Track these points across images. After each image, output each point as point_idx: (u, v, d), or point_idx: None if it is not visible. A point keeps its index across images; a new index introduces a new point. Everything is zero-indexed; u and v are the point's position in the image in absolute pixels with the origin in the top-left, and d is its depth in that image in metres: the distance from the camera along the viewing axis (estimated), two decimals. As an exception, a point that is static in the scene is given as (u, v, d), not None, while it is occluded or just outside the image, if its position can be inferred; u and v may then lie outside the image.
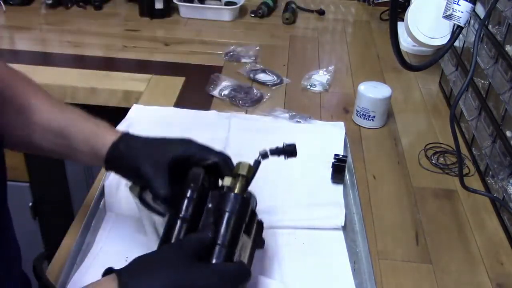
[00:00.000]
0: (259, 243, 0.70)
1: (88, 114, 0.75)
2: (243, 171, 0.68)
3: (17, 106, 0.72)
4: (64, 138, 0.72)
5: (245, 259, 0.64)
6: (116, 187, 0.88)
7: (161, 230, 0.77)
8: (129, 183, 0.75)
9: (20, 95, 0.73)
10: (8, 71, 0.75)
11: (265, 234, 0.80)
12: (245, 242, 0.64)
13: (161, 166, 0.67)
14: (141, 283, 0.53)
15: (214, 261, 0.59)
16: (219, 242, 0.60)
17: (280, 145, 0.72)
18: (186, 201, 0.64)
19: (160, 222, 0.77)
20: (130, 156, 0.68)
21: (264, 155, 0.71)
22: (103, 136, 0.71)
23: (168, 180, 0.66)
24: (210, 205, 0.64)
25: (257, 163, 0.70)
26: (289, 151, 0.71)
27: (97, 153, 0.70)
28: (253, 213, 0.67)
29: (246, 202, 0.65)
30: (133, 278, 0.53)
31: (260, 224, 0.71)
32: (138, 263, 0.56)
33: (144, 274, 0.54)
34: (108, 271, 0.55)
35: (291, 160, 0.98)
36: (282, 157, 0.72)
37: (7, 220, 0.66)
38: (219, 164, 0.69)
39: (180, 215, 0.63)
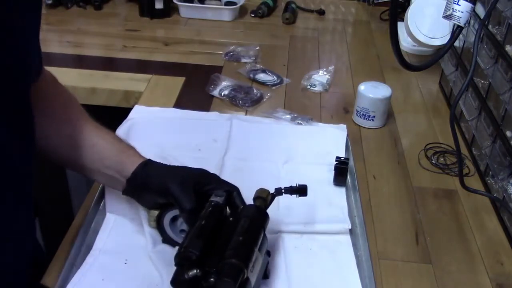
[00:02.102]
0: (264, 273, 0.74)
1: (117, 138, 0.83)
2: (263, 194, 0.76)
3: (70, 129, 0.79)
4: (98, 157, 0.79)
5: (255, 274, 0.65)
6: (116, 187, 0.88)
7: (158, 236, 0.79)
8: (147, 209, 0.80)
9: (72, 119, 0.80)
10: (60, 91, 0.82)
11: (272, 238, 0.80)
12: (258, 257, 0.67)
13: (187, 185, 0.74)
14: None
15: None
16: (240, 238, 0.66)
17: (294, 184, 0.79)
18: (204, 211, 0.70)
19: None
20: (158, 176, 0.75)
21: (278, 192, 0.78)
22: (127, 161, 0.78)
23: (194, 197, 0.73)
24: (231, 218, 0.71)
25: (272, 196, 0.77)
26: (301, 190, 0.78)
27: (121, 174, 0.77)
28: (265, 236, 0.71)
29: (264, 212, 0.73)
30: None
31: (268, 254, 0.75)
32: None
33: None
34: None
35: (294, 163, 0.99)
36: (294, 196, 0.78)
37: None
38: (233, 193, 0.76)
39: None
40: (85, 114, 0.83)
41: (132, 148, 0.81)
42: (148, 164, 0.77)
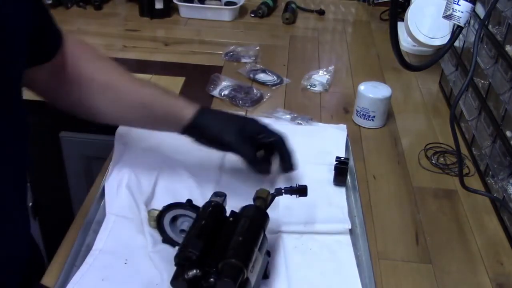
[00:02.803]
0: (264, 273, 0.74)
1: (165, 89, 0.87)
2: (263, 194, 0.76)
3: (101, 84, 0.82)
4: (146, 111, 0.84)
5: (255, 275, 0.65)
6: (117, 188, 0.88)
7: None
8: (149, 209, 0.81)
9: (102, 73, 0.83)
10: (84, 47, 0.84)
11: (272, 238, 0.80)
12: (258, 257, 0.66)
13: (243, 135, 0.83)
14: None
15: None
16: (240, 238, 0.66)
17: (293, 184, 0.80)
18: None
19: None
20: (213, 126, 0.83)
21: (278, 192, 0.78)
22: (182, 109, 0.84)
23: (252, 147, 0.83)
24: (231, 219, 0.71)
25: (272, 196, 0.77)
26: (301, 190, 0.78)
27: (178, 123, 0.84)
28: (265, 236, 0.71)
29: (264, 212, 0.73)
30: None
31: (268, 254, 0.75)
32: None
33: None
34: None
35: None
36: (294, 196, 0.79)
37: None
38: (277, 142, 0.85)
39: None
40: (125, 74, 0.86)
41: (180, 98, 0.86)
42: (201, 114, 0.83)
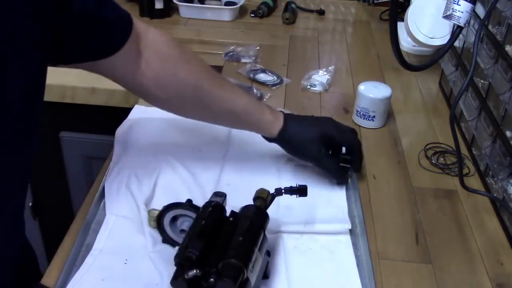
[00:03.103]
0: (264, 273, 0.74)
1: (253, 98, 0.92)
2: (263, 194, 0.76)
3: (194, 87, 0.84)
4: (235, 119, 0.89)
5: (255, 275, 0.65)
6: (117, 188, 0.88)
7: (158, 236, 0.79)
8: (149, 209, 0.81)
9: (194, 77, 0.84)
10: (169, 45, 0.84)
11: (272, 238, 0.80)
12: (258, 257, 0.66)
13: (324, 144, 0.89)
14: None
15: None
16: (240, 238, 0.66)
17: (294, 184, 0.80)
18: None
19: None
20: (297, 138, 0.89)
21: (278, 192, 0.78)
22: (272, 123, 0.89)
23: (332, 159, 0.92)
24: (231, 219, 0.71)
25: (272, 196, 0.77)
26: (301, 190, 0.79)
27: (266, 134, 0.91)
28: (265, 236, 0.71)
29: (264, 212, 0.73)
30: None
31: (268, 254, 0.75)
32: None
33: None
34: None
35: (294, 163, 0.99)
36: (294, 196, 0.79)
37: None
38: (349, 147, 0.93)
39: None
40: (217, 78, 0.89)
41: (268, 110, 0.90)
42: (287, 128, 0.89)
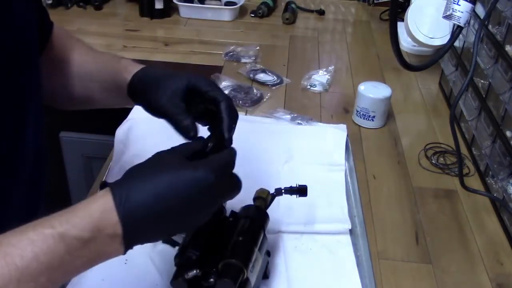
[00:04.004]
0: (264, 273, 0.74)
1: (117, 56, 0.80)
2: (263, 194, 0.76)
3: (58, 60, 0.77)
4: (95, 82, 0.78)
5: (255, 275, 0.65)
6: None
7: None
8: None
9: (63, 49, 0.78)
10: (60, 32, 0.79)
11: (272, 238, 0.80)
12: (258, 257, 0.67)
13: (177, 97, 0.70)
14: (134, 191, 0.54)
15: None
16: (240, 238, 0.66)
17: (294, 184, 0.79)
18: None
19: None
20: (150, 90, 0.73)
21: (278, 192, 0.77)
22: (124, 72, 0.74)
23: (185, 111, 0.69)
24: (230, 219, 0.71)
25: (272, 196, 0.77)
26: (301, 190, 0.78)
27: (123, 90, 0.75)
28: (265, 236, 0.71)
29: (264, 212, 0.73)
30: (125, 188, 0.54)
31: (268, 254, 0.75)
32: (131, 171, 0.57)
33: (137, 181, 0.55)
34: (103, 185, 0.56)
35: (294, 163, 0.99)
36: (294, 196, 0.78)
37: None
38: (221, 103, 0.69)
39: None
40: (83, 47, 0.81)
41: (122, 62, 0.77)
42: (137, 76, 0.74)
